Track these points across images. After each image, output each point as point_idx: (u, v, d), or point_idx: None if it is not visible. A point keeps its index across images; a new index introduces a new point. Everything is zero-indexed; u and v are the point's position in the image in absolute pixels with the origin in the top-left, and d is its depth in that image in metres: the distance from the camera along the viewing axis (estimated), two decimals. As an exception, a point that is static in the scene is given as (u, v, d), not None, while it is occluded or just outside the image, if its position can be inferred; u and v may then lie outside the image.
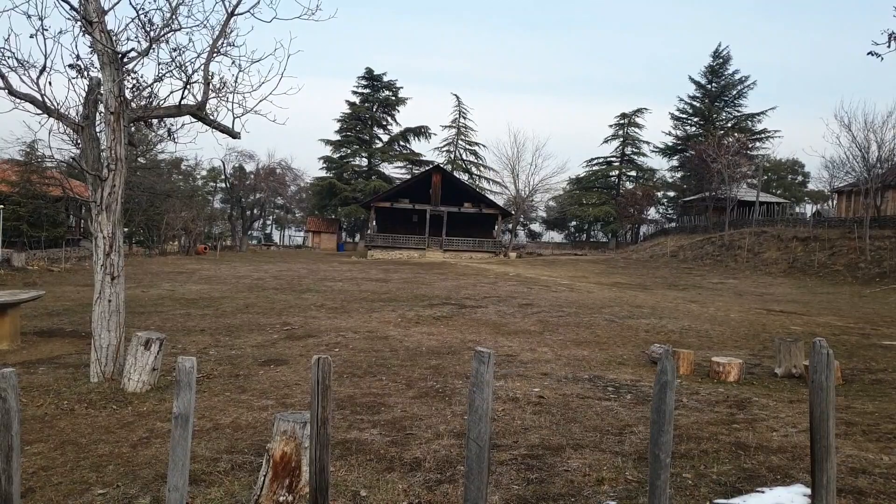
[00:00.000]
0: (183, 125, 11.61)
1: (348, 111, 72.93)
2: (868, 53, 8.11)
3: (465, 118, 75.45)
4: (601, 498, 4.28)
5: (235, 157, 54.99)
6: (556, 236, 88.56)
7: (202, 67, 10.05)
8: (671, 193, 76.82)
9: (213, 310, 15.66)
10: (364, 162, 74.40)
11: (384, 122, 74.79)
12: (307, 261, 39.28)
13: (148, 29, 8.29)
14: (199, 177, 74.90)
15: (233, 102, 10.24)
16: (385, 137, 74.84)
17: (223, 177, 56.40)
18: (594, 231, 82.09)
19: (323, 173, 73.74)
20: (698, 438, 5.51)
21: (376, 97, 73.56)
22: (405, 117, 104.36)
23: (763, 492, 4.24)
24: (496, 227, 50.84)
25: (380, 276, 26.44)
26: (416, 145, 75.90)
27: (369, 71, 73.05)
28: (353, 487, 4.51)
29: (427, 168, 53.77)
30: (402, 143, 74.57)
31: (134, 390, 7.48)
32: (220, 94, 10.18)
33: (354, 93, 73.63)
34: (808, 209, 67.64)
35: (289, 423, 4.11)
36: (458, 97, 74.86)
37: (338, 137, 73.07)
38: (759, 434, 5.61)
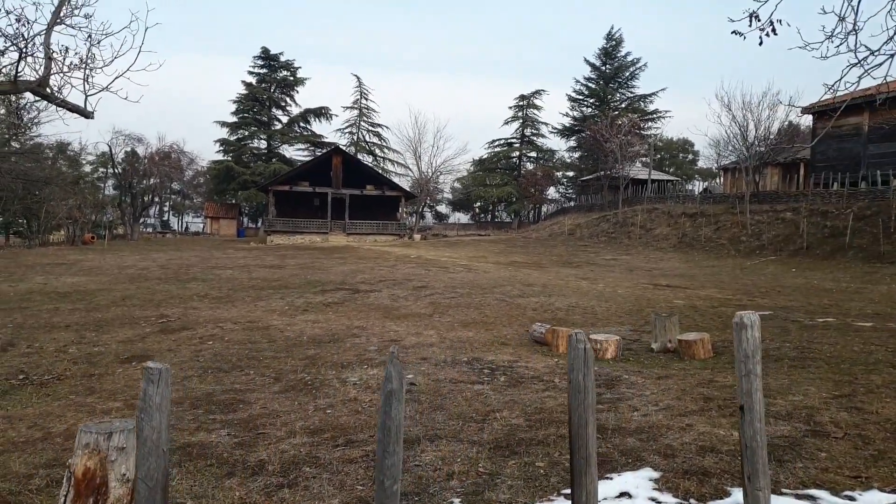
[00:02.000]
0: (46, 107, 10.57)
1: (244, 92, 70.18)
2: (732, 33, 8.28)
3: (367, 99, 74.39)
4: (447, 495, 4.06)
5: (123, 141, 51.78)
6: (462, 217, 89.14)
7: (42, 38, 9.11)
8: (570, 173, 78.71)
9: (85, 304, 14.56)
10: (263, 144, 72.03)
11: (283, 104, 72.56)
12: (202, 248, 37.59)
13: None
14: (86, 162, 70.39)
15: (84, 79, 9.37)
16: (285, 119, 72.67)
17: (111, 161, 52.94)
18: (498, 211, 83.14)
19: (220, 156, 70.87)
20: (559, 423, 5.40)
21: (274, 77, 71.17)
22: (305, 98, 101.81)
23: (612, 478, 4.14)
24: (400, 209, 50.43)
25: (275, 263, 25.57)
26: (318, 127, 74.20)
27: (265, 50, 70.52)
28: (179, 499, 4.09)
29: (327, 150, 52.52)
30: (302, 124, 72.62)
31: (-40, 399, 6.70)
32: (67, 70, 9.28)
33: (251, 73, 70.95)
34: (698, 186, 71.13)
35: (92, 434, 3.63)
36: (358, 77, 73.54)
37: (234, 119, 70.26)
38: (620, 415, 5.58)
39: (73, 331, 11.14)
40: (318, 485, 4.29)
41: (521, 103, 75.88)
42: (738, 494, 3.77)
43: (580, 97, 75.64)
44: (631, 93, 74.79)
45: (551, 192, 79.27)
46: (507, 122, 77.31)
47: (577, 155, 77.09)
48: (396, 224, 48.50)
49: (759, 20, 7.77)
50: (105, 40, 9.99)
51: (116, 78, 9.76)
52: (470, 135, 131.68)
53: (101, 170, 72.20)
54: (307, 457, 4.81)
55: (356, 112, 74.16)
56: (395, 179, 69.36)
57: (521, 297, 15.50)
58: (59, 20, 8.98)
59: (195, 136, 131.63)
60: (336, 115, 73.48)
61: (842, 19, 7.34)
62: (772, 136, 37.74)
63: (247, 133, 70.93)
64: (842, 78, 7.91)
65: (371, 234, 45.88)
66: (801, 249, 26.99)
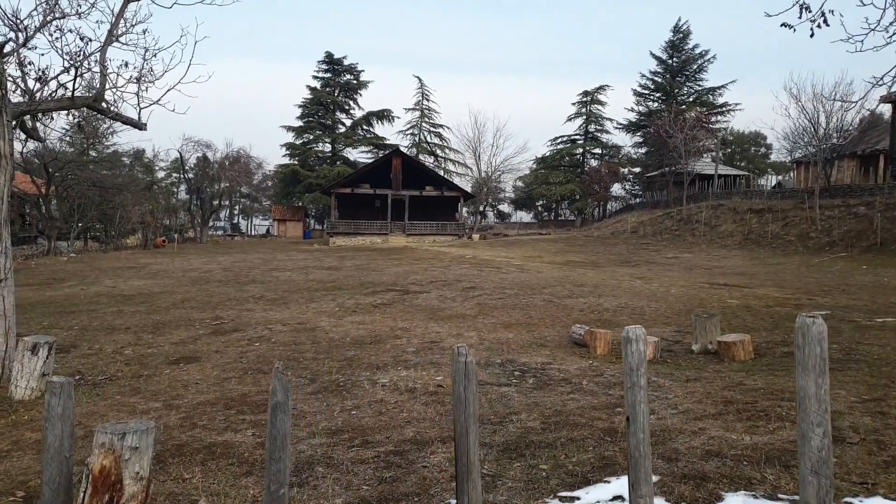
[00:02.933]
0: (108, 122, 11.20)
1: (309, 96, 71.98)
2: (782, 25, 8.01)
3: (428, 100, 74.94)
4: (446, 496, 4.16)
5: (193, 147, 53.93)
6: (524, 216, 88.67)
7: (97, 56, 9.66)
8: (636, 169, 77.13)
9: (147, 306, 15.31)
10: (328, 148, 73.63)
11: (347, 107, 73.96)
12: (266, 250, 38.79)
13: (15, 17, 7.90)
14: (159, 168, 73.66)
15: (138, 93, 9.89)
16: (348, 122, 74.09)
17: (181, 167, 55.24)
18: (561, 210, 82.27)
19: (286, 160, 72.89)
20: (574, 425, 5.42)
21: (337, 81, 72.68)
22: (368, 101, 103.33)
23: (609, 482, 4.14)
24: (459, 209, 50.64)
25: (333, 264, 26.17)
26: (380, 129, 75.25)
27: (329, 55, 72.11)
28: (194, 496, 4.33)
29: (387, 152, 53.25)
30: (365, 127, 73.84)
31: (21, 397, 7.21)
32: (120, 85, 9.83)
33: (315, 77, 72.77)
34: (771, 181, 68.58)
35: (107, 434, 3.90)
36: (420, 79, 74.19)
37: (300, 123, 72.13)
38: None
39: (131, 332, 11.76)
40: (325, 485, 4.46)
41: (584, 99, 74.89)
42: (731, 499, 3.73)
43: (646, 91, 74.04)
44: (699, 86, 72.67)
45: (616, 188, 77.97)
46: (570, 119, 76.51)
47: (642, 151, 75.47)
48: (455, 224, 48.74)
49: (809, 11, 7.50)
50: (157, 54, 10.51)
51: (168, 91, 10.28)
52: (531, 133, 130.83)
53: (175, 175, 75.49)
54: (322, 457, 4.99)
55: (418, 113, 74.87)
56: (456, 179, 69.80)
57: (569, 298, 15.40)
58: (114, 38, 9.51)
59: (262, 141, 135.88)
60: (398, 117, 74.50)
61: (884, 10, 7.05)
62: (848, 128, 36.05)
63: (312, 137, 72.66)
64: (892, 70, 7.59)
65: (430, 235, 46.28)
66: (874, 246, 25.69)
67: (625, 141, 77.95)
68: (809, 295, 15.73)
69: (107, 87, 9.61)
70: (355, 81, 73.04)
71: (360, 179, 47.48)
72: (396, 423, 5.88)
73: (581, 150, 76.51)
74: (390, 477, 4.51)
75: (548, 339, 10.63)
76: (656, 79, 72.86)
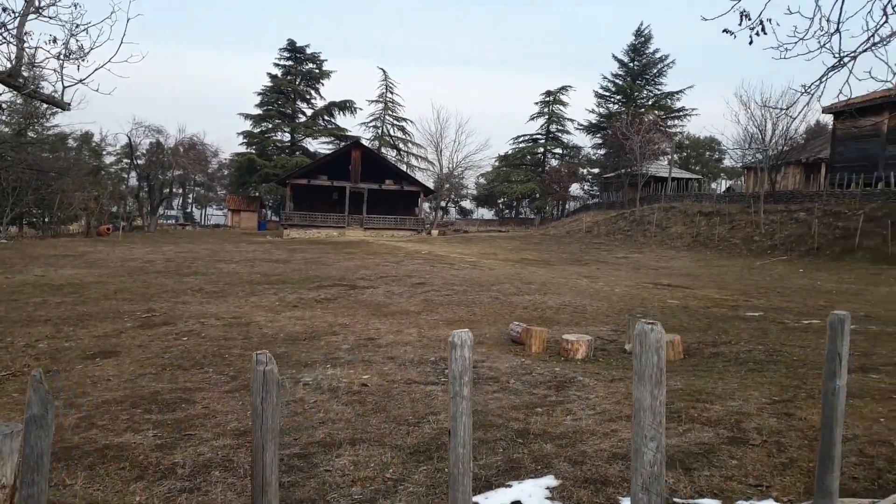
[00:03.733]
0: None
1: (269, 84, 70.67)
2: (723, 31, 8.01)
3: (392, 93, 74.33)
4: (343, 502, 3.98)
5: (144, 132, 52.37)
6: (486, 213, 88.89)
7: (15, 29, 9.16)
8: (595, 170, 77.92)
9: (75, 297, 14.73)
10: (287, 137, 72.47)
11: (308, 96, 72.84)
12: (216, 241, 37.92)
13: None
14: (109, 153, 71.46)
15: (59, 70, 9.43)
16: (309, 112, 72.95)
17: (130, 152, 53.65)
18: (522, 208, 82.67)
19: (243, 149, 71.51)
20: (490, 426, 5.28)
21: (299, 70, 71.53)
22: (330, 91, 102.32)
23: (511, 486, 4.02)
24: (419, 204, 50.37)
25: (282, 257, 25.69)
26: (342, 120, 74.56)
27: (291, 43, 70.92)
28: (75, 503, 4.06)
29: (346, 144, 52.64)
30: (326, 117, 72.85)
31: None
32: (39, 61, 9.33)
33: (276, 65, 71.44)
34: (723, 185, 69.89)
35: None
36: (384, 71, 73.58)
37: (258, 112, 70.77)
38: (553, 419, 5.44)
39: (51, 325, 11.26)
40: (219, 490, 4.24)
41: (546, 99, 75.30)
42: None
43: (607, 94, 74.73)
44: (658, 90, 73.60)
45: (575, 188, 78.68)
46: (532, 118, 76.79)
47: (602, 152, 76.28)
48: (414, 219, 48.46)
49: (749, 18, 7.49)
50: (87, 30, 9.98)
51: (96, 70, 9.81)
52: (493, 131, 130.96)
53: (126, 161, 73.46)
54: (222, 460, 4.76)
55: (381, 106, 74.20)
56: (419, 174, 69.47)
57: (515, 295, 15.35)
58: (35, 9, 9.02)
59: (218, 129, 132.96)
60: (361, 109, 73.64)
61: (811, 19, 7.05)
62: (793, 136, 36.90)
63: (270, 126, 71.44)
64: (822, 79, 7.60)
65: (388, 229, 45.94)
66: (812, 250, 26.37)
67: (585, 142, 79.00)
68: (747, 296, 15.98)
69: (24, 62, 9.13)
70: (318, 71, 72.02)
71: (317, 170, 46.80)
72: (310, 423, 5.67)
73: (542, 150, 76.95)
74: (289, 482, 4.31)
75: (487, 337, 10.52)
76: (617, 81, 73.60)
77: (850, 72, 6.17)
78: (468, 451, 2.36)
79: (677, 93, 72.03)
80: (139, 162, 57.21)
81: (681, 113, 71.80)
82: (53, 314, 12.43)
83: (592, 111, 75.05)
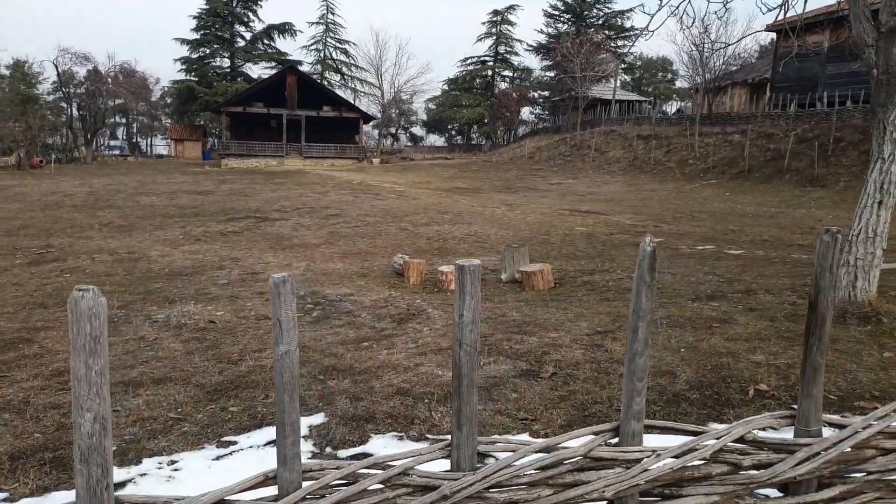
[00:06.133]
0: None
1: (205, 6, 67.44)
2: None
3: (333, 14, 71.82)
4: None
5: (70, 59, 49.88)
6: (438, 140, 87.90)
7: None
8: (546, 93, 77.20)
9: (-27, 233, 14.29)
10: (226, 63, 69.89)
11: (246, 19, 69.84)
12: (152, 172, 36.88)
13: None
14: (42, 81, 68.02)
15: None
16: (248, 36, 70.22)
17: (59, 81, 51.16)
18: (473, 134, 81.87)
19: (182, 76, 68.83)
20: (308, 362, 5.33)
21: (236, -9, 68.29)
22: (269, 14, 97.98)
23: (268, 427, 4.08)
24: (359, 131, 49.47)
25: (207, 188, 25.13)
26: (283, 44, 72.23)
27: (226, -39, 67.36)
28: None
29: (281, 69, 50.96)
30: (266, 41, 70.25)
31: None
32: None
33: (211, -15, 67.97)
34: (673, 107, 69.97)
35: None
36: (324, -9, 70.69)
37: (195, 36, 67.82)
38: (370, 353, 5.51)
39: (-66, 263, 10.93)
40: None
41: (494, 19, 73.52)
42: (375, 441, 3.74)
43: (556, 13, 73.24)
44: (608, 8, 72.56)
45: (527, 113, 78.09)
46: (480, 39, 75.13)
47: (551, 74, 75.37)
48: (355, 147, 47.72)
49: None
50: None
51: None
52: (441, 54, 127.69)
53: (67, 90, 70.22)
54: (20, 403, 4.73)
55: (322, 28, 71.76)
56: (364, 100, 68.03)
57: (425, 226, 15.37)
58: None
59: (150, 55, 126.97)
60: (301, 32, 71.10)
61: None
62: (740, 55, 36.86)
63: (209, 51, 68.68)
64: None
65: (329, 158, 45.20)
66: (743, 173, 26.83)
67: (536, 64, 77.64)
68: (659, 222, 16.30)
69: None
70: (255, -9, 68.86)
71: (253, 97, 45.39)
72: (134, 362, 5.64)
73: (491, 73, 75.67)
74: (71, 423, 4.30)
75: (373, 269, 10.55)
76: (567, 0, 72.15)
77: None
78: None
79: (628, 11, 71.10)
80: (80, 91, 54.71)
81: (631, 32, 71.05)
82: (-61, 252, 12.05)
83: (541, 31, 73.81)
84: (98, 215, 17.37)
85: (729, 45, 29.21)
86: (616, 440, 2.24)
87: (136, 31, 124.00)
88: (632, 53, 74.49)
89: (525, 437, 3.80)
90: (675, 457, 2.17)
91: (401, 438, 3.77)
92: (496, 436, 3.03)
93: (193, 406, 4.53)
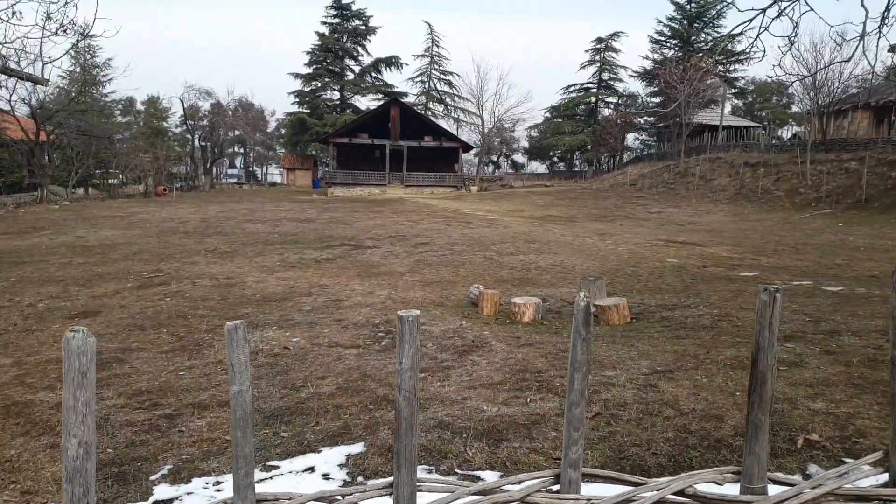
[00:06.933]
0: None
1: (318, 43, 71.15)
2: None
3: (438, 46, 73.64)
4: (171, 460, 4.30)
5: (194, 95, 54.02)
6: (539, 167, 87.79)
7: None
8: (652, 119, 75.52)
9: (100, 257, 15.63)
10: (336, 95, 73.09)
11: (355, 53, 73.00)
12: (263, 200, 39.08)
13: None
14: (174, 115, 73.79)
15: (40, 49, 9.96)
16: (357, 69, 73.31)
17: (184, 114, 55.38)
18: (575, 160, 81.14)
19: (294, 108, 72.64)
20: (360, 391, 5.50)
21: (346, 27, 71.60)
22: (377, 48, 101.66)
23: (321, 451, 4.26)
24: (458, 160, 50.25)
25: (310, 216, 26.32)
26: (389, 76, 74.74)
27: (337, 0, 70.86)
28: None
29: (385, 101, 52.73)
30: (373, 74, 73.05)
31: None
32: (9, 41, 9.84)
33: (323, 23, 71.71)
34: (789, 132, 66.58)
35: None
36: (429, 24, 72.82)
37: (308, 70, 71.52)
38: (424, 384, 5.61)
39: (62, 285, 12.05)
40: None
41: (598, 46, 73.06)
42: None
43: (662, 38, 71.88)
44: (717, 32, 70.37)
45: (632, 139, 76.66)
46: (583, 66, 74.75)
47: (657, 100, 73.69)
48: (454, 176, 48.45)
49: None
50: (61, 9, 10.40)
51: (73, 46, 10.28)
52: (542, 82, 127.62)
53: (191, 122, 76.00)
54: (101, 420, 5.16)
55: (427, 60, 73.72)
56: (467, 129, 69.08)
57: (511, 255, 15.40)
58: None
59: (264, 89, 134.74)
60: (407, 64, 73.40)
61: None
62: (866, 77, 34.56)
63: (320, 84, 72.11)
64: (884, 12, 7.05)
65: (428, 186, 46.14)
66: (860, 202, 25.08)
67: (641, 90, 76.22)
68: (757, 254, 15.55)
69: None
70: (364, 27, 71.93)
71: (358, 129, 47.21)
72: (206, 386, 6.03)
73: (594, 99, 74.96)
74: (140, 441, 4.67)
75: (452, 299, 10.68)
76: (673, 25, 70.63)
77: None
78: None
79: (738, 35, 68.40)
80: (202, 123, 59.10)
81: (742, 56, 68.42)
82: (70, 274, 13.27)
83: (646, 57, 72.46)
84: (206, 241, 18.57)
85: (833, 63, 27.43)
86: (557, 487, 2.23)
87: (256, 67, 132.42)
88: (743, 78, 71.90)
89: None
90: (609, 507, 2.14)
91: (430, 472, 3.84)
92: (438, 476, 3.06)
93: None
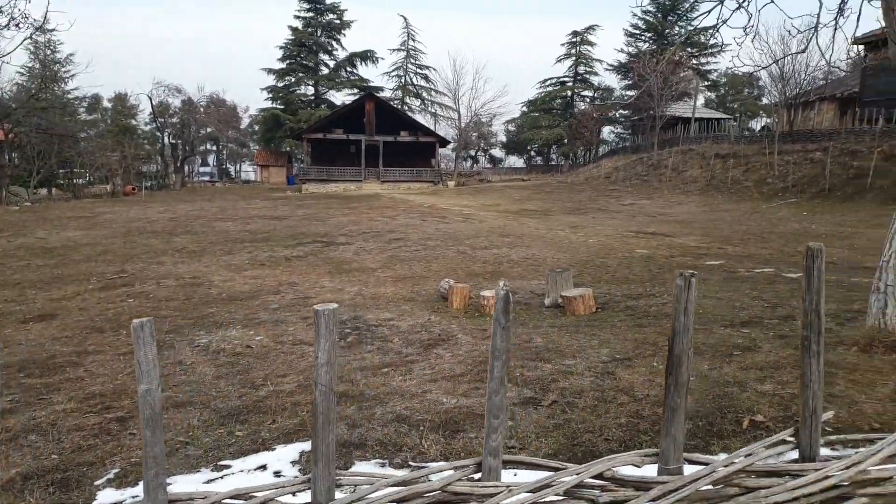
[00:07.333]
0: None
1: (291, 37, 70.41)
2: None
3: (413, 40, 73.33)
4: (119, 464, 4.20)
5: (163, 92, 53.22)
6: (517, 161, 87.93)
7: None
8: (627, 112, 75.97)
9: (60, 259, 15.34)
10: (311, 90, 72.41)
11: (329, 48, 72.31)
12: (236, 197, 38.61)
13: None
14: (143, 113, 72.70)
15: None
16: (332, 64, 72.69)
17: (153, 112, 54.53)
18: (552, 154, 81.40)
19: (268, 104, 71.92)
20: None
21: (320, 21, 70.94)
22: (351, 42, 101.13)
23: (275, 449, 4.19)
24: (435, 155, 50.14)
25: (282, 214, 26.08)
26: (365, 71, 74.02)
27: (311, -7, 70.21)
28: None
29: (359, 96, 52.43)
30: (349, 69, 72.44)
31: None
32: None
33: (297, 17, 70.96)
34: (759, 124, 67.47)
35: None
36: (405, 18, 72.48)
37: (281, 66, 70.78)
38: (387, 380, 5.55)
39: (18, 288, 11.79)
40: (20, 454, 4.51)
41: (573, 40, 73.17)
42: (358, 467, 3.76)
43: (637, 31, 72.25)
44: (691, 25, 70.85)
45: (608, 132, 77.08)
46: (559, 60, 74.85)
47: (631, 93, 74.11)
48: (431, 171, 48.30)
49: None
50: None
51: (25, 41, 10.02)
52: (519, 77, 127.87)
53: (160, 120, 74.86)
54: (46, 425, 5.03)
55: (403, 54, 73.40)
56: (444, 124, 68.96)
57: (483, 250, 15.38)
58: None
59: (236, 86, 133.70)
60: (382, 59, 72.95)
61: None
62: (833, 68, 35.02)
63: (294, 79, 71.42)
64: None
65: (405, 182, 45.98)
66: (823, 192, 25.51)
67: (616, 83, 76.65)
68: (725, 243, 15.70)
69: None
70: (338, 21, 71.27)
71: (332, 124, 46.87)
72: (165, 387, 5.91)
73: (570, 93, 75.20)
74: (88, 445, 4.56)
75: (421, 294, 10.63)
76: (647, 18, 71.01)
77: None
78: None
79: (710, 28, 68.88)
80: (173, 121, 58.23)
81: (714, 49, 69.03)
82: (28, 277, 13.00)
83: (622, 51, 72.83)
84: (174, 241, 18.30)
85: (787, 55, 27.66)
86: (479, 475, 2.22)
87: (227, 62, 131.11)
88: (715, 70, 72.66)
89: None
90: (531, 492, 2.15)
91: (383, 465, 3.79)
92: (358, 469, 3.04)
93: (204, 430, 4.71)
